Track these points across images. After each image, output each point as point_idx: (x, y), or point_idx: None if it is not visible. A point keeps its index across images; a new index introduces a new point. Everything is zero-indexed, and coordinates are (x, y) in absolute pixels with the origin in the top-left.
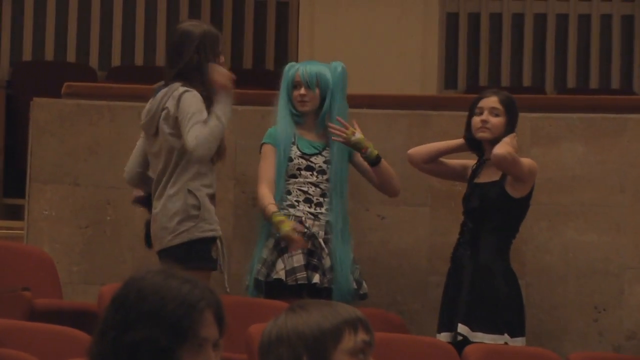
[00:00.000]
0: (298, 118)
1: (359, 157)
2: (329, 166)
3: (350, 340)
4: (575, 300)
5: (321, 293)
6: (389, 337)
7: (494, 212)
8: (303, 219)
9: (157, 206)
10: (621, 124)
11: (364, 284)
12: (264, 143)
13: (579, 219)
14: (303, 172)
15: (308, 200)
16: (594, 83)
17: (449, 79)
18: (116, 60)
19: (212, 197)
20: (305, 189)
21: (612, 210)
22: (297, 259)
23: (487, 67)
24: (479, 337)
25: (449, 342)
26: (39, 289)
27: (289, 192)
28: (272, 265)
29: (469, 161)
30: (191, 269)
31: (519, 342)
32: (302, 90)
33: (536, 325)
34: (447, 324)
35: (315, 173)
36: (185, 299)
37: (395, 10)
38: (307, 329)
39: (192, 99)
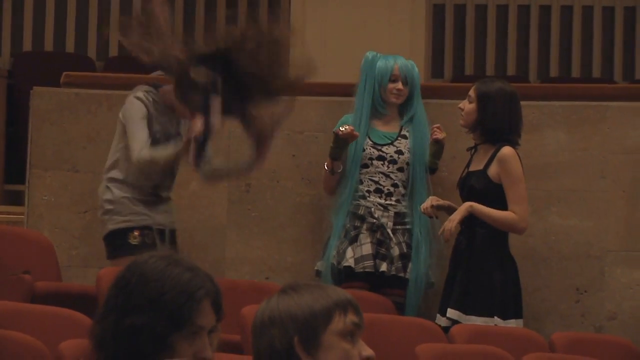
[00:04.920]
0: (382, 109)
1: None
2: (400, 156)
3: (340, 322)
4: (557, 282)
5: (388, 280)
6: (378, 318)
7: (482, 200)
8: (372, 210)
9: None
10: (602, 111)
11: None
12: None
13: (561, 204)
14: (375, 162)
15: (378, 191)
16: (575, 72)
17: (436, 69)
18: (113, 51)
19: (150, 189)
20: (376, 178)
21: (593, 196)
22: (366, 248)
23: (472, 57)
24: (472, 320)
25: (445, 326)
26: (39, 272)
27: (360, 182)
28: (343, 254)
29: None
30: (112, 257)
31: (512, 324)
32: (400, 85)
33: None
34: (443, 309)
35: (386, 163)
36: (184, 287)
37: (384, 2)
38: (298, 311)
39: (131, 109)
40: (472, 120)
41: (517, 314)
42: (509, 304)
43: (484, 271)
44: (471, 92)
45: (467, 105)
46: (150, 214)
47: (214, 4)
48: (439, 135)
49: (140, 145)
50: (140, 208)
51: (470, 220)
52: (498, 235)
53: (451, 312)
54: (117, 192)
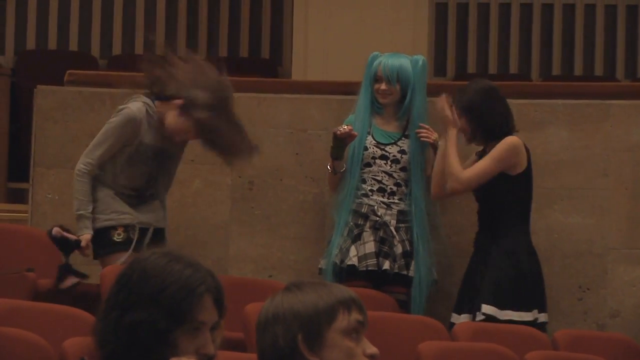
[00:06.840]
0: (379, 109)
1: (429, 154)
2: (403, 156)
3: (344, 320)
4: (560, 280)
5: (391, 278)
6: (381, 315)
7: (498, 195)
8: (375, 208)
9: None
10: (604, 109)
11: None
12: None
13: (563, 202)
14: (377, 161)
15: (381, 190)
16: (578, 70)
17: (439, 67)
18: (117, 49)
19: (130, 190)
20: (379, 178)
21: (595, 194)
22: (369, 246)
23: (475, 55)
24: (509, 315)
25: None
26: (43, 269)
27: (363, 181)
28: (346, 252)
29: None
30: (97, 257)
31: (543, 317)
32: (383, 86)
33: None
34: (468, 306)
35: (389, 162)
36: (185, 283)
37: (387, 1)
38: (302, 308)
39: (116, 125)
40: (470, 132)
41: (546, 308)
42: (539, 296)
43: (514, 265)
44: (454, 110)
45: (459, 121)
46: (132, 212)
47: (218, 5)
48: (428, 140)
49: (87, 160)
50: (122, 206)
51: (490, 218)
52: (521, 223)
53: (486, 308)
54: (100, 190)
